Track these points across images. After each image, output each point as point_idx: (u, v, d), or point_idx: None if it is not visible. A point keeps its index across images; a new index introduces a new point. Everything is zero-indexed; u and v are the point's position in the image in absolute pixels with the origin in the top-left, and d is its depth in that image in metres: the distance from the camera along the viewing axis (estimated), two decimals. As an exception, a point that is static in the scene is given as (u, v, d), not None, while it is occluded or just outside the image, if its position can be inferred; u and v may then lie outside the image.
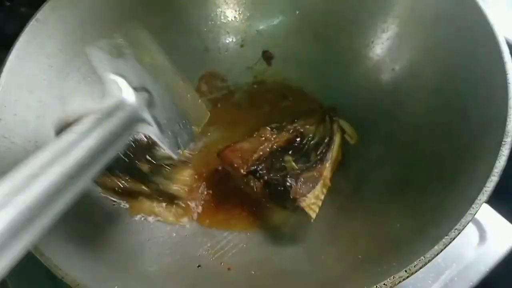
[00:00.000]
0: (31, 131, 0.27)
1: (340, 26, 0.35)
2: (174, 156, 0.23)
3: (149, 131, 0.22)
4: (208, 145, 0.34)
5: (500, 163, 0.21)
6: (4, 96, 0.26)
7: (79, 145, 0.17)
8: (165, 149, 0.23)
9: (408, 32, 0.31)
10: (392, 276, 0.19)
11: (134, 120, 0.21)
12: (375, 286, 0.19)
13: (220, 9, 0.37)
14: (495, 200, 0.23)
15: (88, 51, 0.21)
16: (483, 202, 0.20)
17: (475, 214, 0.20)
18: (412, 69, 0.31)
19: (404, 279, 0.19)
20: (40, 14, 0.29)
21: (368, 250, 0.24)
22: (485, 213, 0.31)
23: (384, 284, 0.19)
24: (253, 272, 0.26)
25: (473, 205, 0.20)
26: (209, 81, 0.37)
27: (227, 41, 0.37)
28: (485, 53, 0.25)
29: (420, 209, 0.24)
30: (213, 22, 0.37)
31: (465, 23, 0.27)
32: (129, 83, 0.21)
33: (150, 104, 0.21)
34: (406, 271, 0.19)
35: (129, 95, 0.21)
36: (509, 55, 0.24)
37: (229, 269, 0.26)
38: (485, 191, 0.20)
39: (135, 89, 0.21)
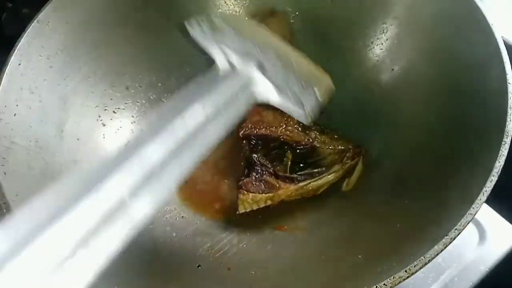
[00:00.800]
0: (31, 131, 0.27)
1: (340, 27, 0.35)
2: (303, 120, 0.22)
3: (265, 94, 0.21)
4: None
5: (500, 163, 0.21)
6: (5, 96, 0.26)
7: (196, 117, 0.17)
8: (289, 111, 0.22)
9: (407, 32, 0.32)
10: (392, 276, 0.19)
11: (247, 85, 0.20)
12: (375, 286, 0.19)
13: (220, 10, 0.37)
14: (494, 200, 0.23)
15: (188, 24, 0.22)
16: (483, 202, 0.20)
17: (475, 214, 0.20)
18: (411, 70, 0.31)
19: (404, 279, 0.19)
20: (41, 15, 0.29)
21: (368, 250, 0.24)
22: (485, 213, 0.31)
23: (384, 284, 0.19)
24: (253, 272, 0.26)
25: (473, 205, 0.20)
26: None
27: (227, 42, 0.37)
28: (484, 53, 0.25)
29: (420, 209, 0.24)
30: (213, 23, 0.37)
31: (464, 24, 0.27)
32: (234, 51, 0.21)
33: (261, 68, 0.21)
34: (406, 271, 0.19)
35: (237, 62, 0.21)
36: (508, 55, 0.24)
37: (229, 269, 0.26)
38: (485, 191, 0.20)
39: (242, 56, 0.21)
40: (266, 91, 0.21)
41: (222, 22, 0.22)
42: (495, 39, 0.24)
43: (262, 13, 0.35)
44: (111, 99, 0.33)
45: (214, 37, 0.22)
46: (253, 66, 0.21)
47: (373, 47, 0.34)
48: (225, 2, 0.37)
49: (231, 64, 0.21)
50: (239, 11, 0.37)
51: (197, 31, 0.22)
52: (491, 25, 0.25)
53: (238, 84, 0.20)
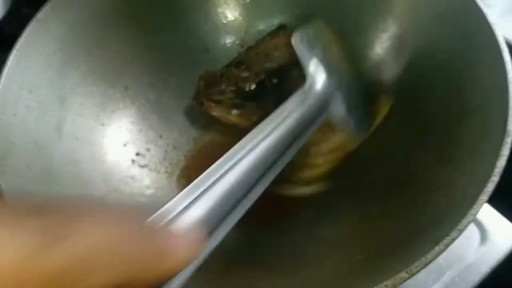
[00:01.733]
0: (31, 131, 0.27)
1: (340, 26, 0.35)
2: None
3: (336, 113, 0.23)
4: (207, 144, 0.34)
5: (501, 163, 0.21)
6: (4, 96, 0.26)
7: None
8: (349, 129, 0.25)
9: (408, 32, 0.31)
10: (393, 277, 0.19)
11: (326, 103, 0.23)
12: (375, 287, 0.19)
13: (220, 10, 0.37)
14: (496, 200, 0.23)
15: (293, 38, 0.24)
16: (485, 202, 0.20)
17: (476, 214, 0.20)
18: (411, 70, 0.31)
19: (405, 280, 0.19)
20: (40, 14, 0.29)
21: (368, 251, 0.23)
22: (487, 213, 0.31)
23: (385, 285, 0.19)
24: (253, 272, 0.25)
25: (474, 206, 0.20)
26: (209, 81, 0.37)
27: (227, 41, 0.37)
28: (485, 53, 0.25)
29: (421, 209, 0.24)
30: (213, 23, 0.37)
31: (465, 24, 0.27)
32: (324, 68, 0.23)
33: (339, 87, 0.23)
34: (407, 272, 0.19)
35: (325, 80, 0.23)
36: (509, 55, 0.24)
37: (229, 269, 0.26)
38: (486, 191, 0.20)
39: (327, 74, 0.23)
40: (336, 110, 0.23)
41: (317, 36, 0.25)
42: (496, 39, 0.24)
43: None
44: (111, 99, 0.33)
45: (311, 51, 0.24)
46: (334, 86, 0.23)
47: (374, 47, 0.34)
48: (225, 2, 0.37)
49: (321, 82, 0.23)
50: (239, 11, 0.37)
51: (299, 46, 0.24)
52: (491, 24, 0.25)
53: (319, 102, 0.22)
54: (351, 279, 0.22)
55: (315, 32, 0.25)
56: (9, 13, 0.39)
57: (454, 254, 0.29)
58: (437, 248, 0.19)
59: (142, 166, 0.32)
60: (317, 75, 0.23)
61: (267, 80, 0.34)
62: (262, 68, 0.34)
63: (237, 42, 0.37)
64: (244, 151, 0.18)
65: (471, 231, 0.30)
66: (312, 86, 0.22)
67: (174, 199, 0.15)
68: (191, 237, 0.14)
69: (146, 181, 0.31)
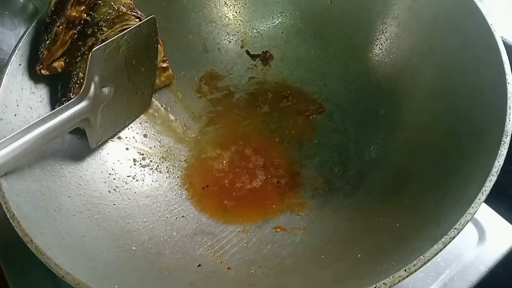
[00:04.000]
0: (32, 131, 0.27)
1: (339, 27, 0.35)
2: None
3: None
4: (207, 145, 0.34)
5: (499, 162, 0.21)
6: (5, 97, 0.26)
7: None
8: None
9: (407, 32, 0.32)
10: (392, 276, 0.19)
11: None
12: (374, 285, 0.19)
13: (220, 10, 0.37)
14: (494, 200, 0.23)
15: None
16: (482, 202, 0.20)
17: (474, 214, 0.20)
18: (411, 70, 0.31)
19: (403, 279, 0.19)
20: (42, 16, 0.29)
21: (368, 250, 0.24)
22: (484, 213, 0.31)
23: (384, 283, 0.19)
24: (253, 272, 0.26)
25: (472, 205, 0.20)
26: (209, 82, 0.37)
27: (227, 42, 0.38)
28: (483, 54, 0.25)
29: (420, 208, 0.24)
30: (213, 23, 0.37)
31: (463, 24, 0.27)
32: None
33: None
34: (405, 270, 0.19)
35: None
36: (507, 55, 0.24)
37: (229, 268, 0.26)
38: (484, 190, 0.20)
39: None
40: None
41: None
42: (495, 39, 0.24)
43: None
44: (111, 99, 0.33)
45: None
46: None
47: (373, 47, 0.34)
48: (225, 3, 0.37)
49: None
50: (239, 11, 0.38)
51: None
52: (490, 25, 0.25)
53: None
54: (350, 277, 0.23)
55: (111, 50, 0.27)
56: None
57: (453, 253, 0.29)
58: (435, 247, 0.19)
59: (143, 166, 0.32)
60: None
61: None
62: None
63: (237, 42, 0.38)
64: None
65: (469, 230, 0.30)
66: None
67: None
68: None
69: (148, 181, 0.31)
